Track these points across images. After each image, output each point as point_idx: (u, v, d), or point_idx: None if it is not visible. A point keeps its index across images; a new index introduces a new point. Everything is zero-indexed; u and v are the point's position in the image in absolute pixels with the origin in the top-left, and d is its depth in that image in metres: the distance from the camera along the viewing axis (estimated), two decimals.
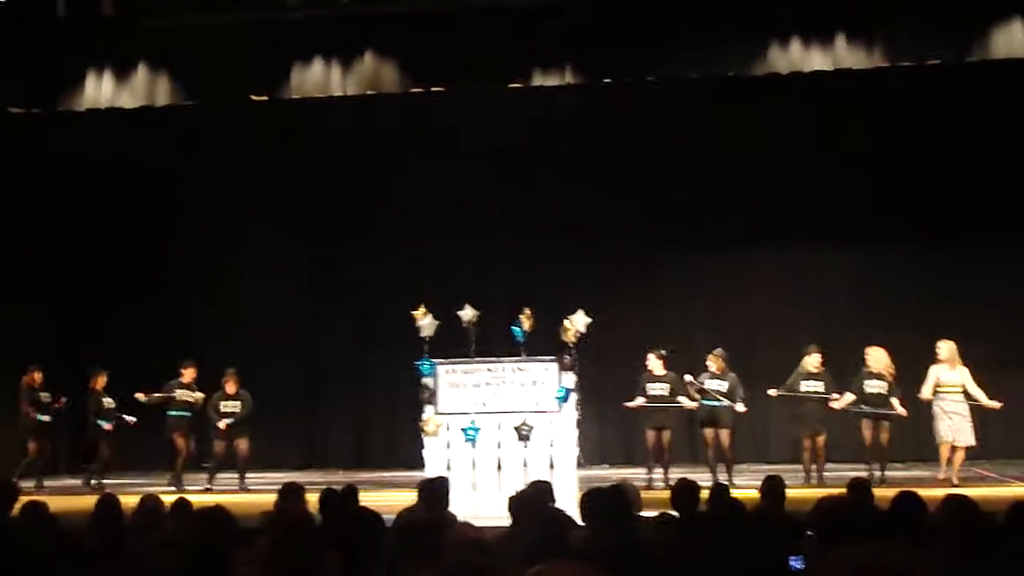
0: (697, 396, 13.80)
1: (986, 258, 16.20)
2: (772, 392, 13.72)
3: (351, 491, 6.76)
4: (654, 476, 13.54)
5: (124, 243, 17.72)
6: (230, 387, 14.60)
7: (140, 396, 14.63)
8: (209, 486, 14.14)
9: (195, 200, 17.28)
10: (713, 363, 13.89)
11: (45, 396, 14.68)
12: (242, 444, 14.50)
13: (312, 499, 6.74)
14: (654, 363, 14.01)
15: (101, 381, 14.73)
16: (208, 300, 17.28)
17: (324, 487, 6.91)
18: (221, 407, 14.58)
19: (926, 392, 13.03)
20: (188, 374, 14.71)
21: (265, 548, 4.07)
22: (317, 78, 14.32)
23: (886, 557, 1.68)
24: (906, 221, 16.15)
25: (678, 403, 13.82)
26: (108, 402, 14.72)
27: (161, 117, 15.11)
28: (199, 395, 14.70)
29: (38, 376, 14.70)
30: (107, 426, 14.60)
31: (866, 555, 1.67)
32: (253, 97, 14.75)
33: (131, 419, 14.76)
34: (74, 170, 16.71)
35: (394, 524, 5.44)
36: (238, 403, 14.57)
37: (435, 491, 6.02)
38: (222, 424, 14.46)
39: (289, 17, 14.10)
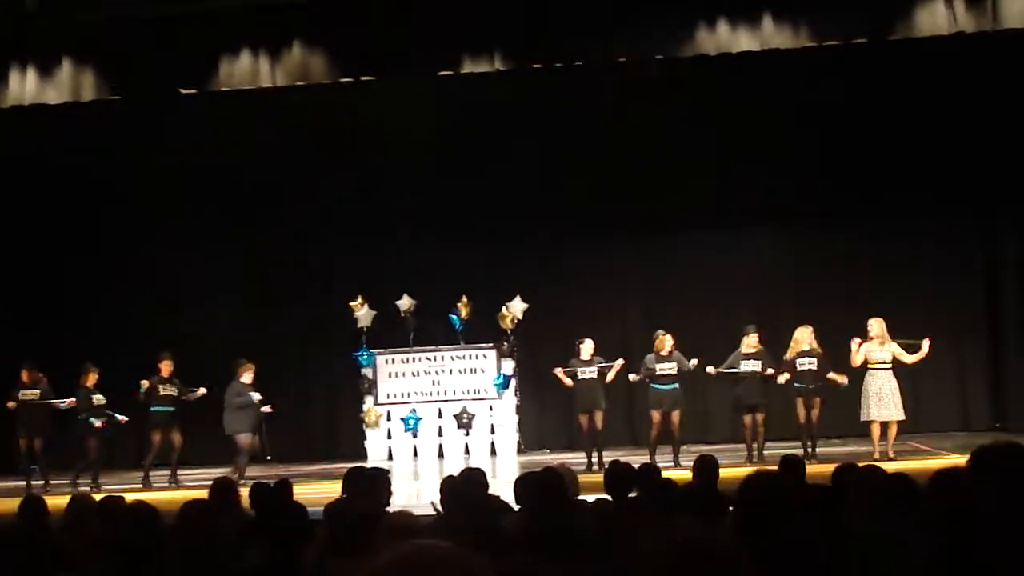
0: (645, 378, 13.82)
1: (912, 235, 16.40)
2: (711, 370, 13.80)
3: (283, 484, 6.73)
4: (593, 460, 13.60)
5: (50, 241, 17.45)
6: (247, 377, 14.19)
7: (144, 383, 14.11)
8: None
9: (124, 196, 17.04)
10: (663, 344, 13.81)
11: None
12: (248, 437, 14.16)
13: (246, 493, 6.70)
14: (584, 348, 14.02)
15: (92, 378, 14.28)
16: (139, 298, 17.10)
17: (256, 481, 6.88)
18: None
19: (857, 361, 13.18)
20: (166, 367, 14.21)
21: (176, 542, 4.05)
22: (245, 69, 14.18)
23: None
24: (832, 200, 16.33)
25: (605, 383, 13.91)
26: (98, 399, 14.22)
27: (88, 112, 14.88)
28: (202, 390, 14.31)
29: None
30: (98, 423, 14.06)
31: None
32: (181, 90, 14.56)
33: (122, 418, 14.29)
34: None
35: (323, 516, 5.42)
36: (258, 394, 14.17)
37: (363, 481, 6.01)
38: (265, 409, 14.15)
39: (214, 7, 13.94)
